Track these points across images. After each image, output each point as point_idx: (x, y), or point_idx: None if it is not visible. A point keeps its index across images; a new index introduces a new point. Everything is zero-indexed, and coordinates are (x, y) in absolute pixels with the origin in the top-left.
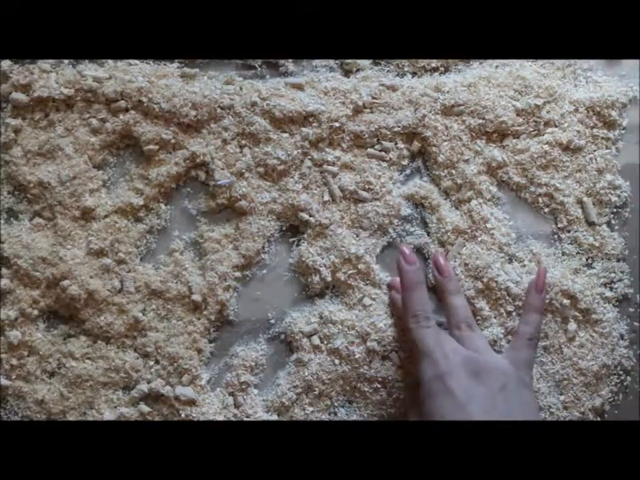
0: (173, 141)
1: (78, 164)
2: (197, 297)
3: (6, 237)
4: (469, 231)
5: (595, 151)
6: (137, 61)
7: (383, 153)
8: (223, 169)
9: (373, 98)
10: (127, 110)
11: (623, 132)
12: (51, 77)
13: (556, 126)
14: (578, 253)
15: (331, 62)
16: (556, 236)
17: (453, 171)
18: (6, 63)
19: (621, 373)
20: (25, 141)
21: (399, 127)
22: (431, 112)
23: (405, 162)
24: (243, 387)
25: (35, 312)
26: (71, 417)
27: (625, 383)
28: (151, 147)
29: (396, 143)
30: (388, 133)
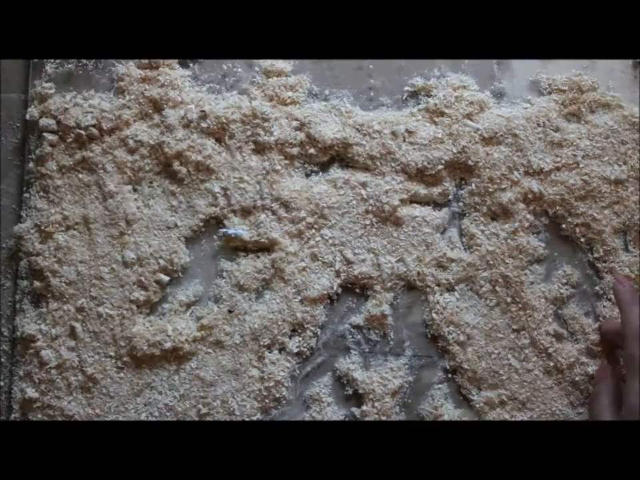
0: (211, 165)
1: (116, 181)
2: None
3: (40, 250)
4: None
5: (635, 184)
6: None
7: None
8: (236, 214)
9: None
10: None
11: None
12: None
13: (596, 158)
14: None
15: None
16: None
17: (487, 199)
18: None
19: None
20: (59, 156)
21: (442, 162)
22: (470, 142)
23: (447, 198)
24: None
25: (67, 327)
26: None
27: None
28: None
29: (442, 180)
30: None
